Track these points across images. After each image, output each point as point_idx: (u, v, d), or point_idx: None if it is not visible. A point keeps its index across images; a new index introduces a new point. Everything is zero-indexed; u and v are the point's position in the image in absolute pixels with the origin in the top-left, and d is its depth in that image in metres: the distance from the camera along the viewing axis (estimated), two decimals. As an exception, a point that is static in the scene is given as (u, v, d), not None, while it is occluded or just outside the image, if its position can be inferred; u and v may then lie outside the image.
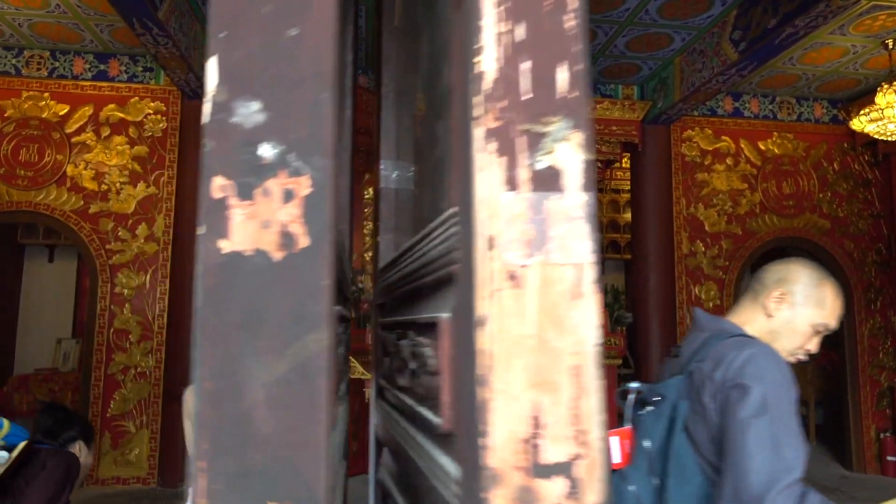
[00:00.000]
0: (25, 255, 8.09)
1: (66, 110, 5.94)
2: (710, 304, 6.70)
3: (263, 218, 0.42)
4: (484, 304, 0.42)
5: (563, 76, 0.46)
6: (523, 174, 0.44)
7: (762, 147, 7.00)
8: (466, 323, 0.45)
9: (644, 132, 6.52)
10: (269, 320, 0.41)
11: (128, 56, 6.08)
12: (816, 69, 6.25)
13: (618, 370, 6.47)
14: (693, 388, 1.30)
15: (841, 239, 6.97)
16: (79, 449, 2.21)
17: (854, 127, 5.75)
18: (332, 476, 0.41)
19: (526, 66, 0.45)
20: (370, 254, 6.62)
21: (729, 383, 1.22)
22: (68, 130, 5.92)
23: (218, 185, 0.42)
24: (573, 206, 0.44)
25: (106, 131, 5.98)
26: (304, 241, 0.42)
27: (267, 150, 0.42)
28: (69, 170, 5.89)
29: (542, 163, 0.45)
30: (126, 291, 5.87)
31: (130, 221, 5.94)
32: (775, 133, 7.03)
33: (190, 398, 1.93)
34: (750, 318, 1.42)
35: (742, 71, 5.40)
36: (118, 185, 5.96)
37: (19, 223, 7.33)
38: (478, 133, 0.44)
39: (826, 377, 8.64)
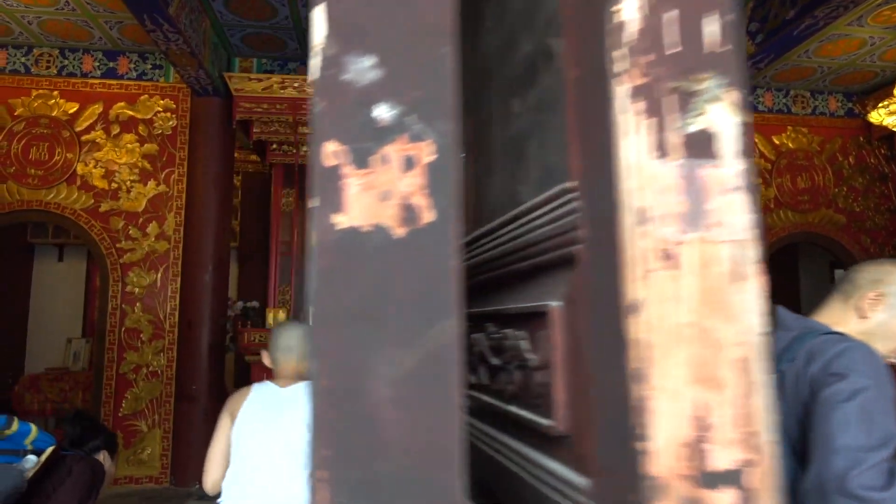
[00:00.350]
0: (35, 254, 8.07)
1: (75, 108, 5.90)
2: (725, 301, 6.63)
3: (382, 188, 0.36)
4: (637, 288, 0.37)
5: (712, 28, 0.40)
6: (674, 138, 0.39)
7: (776, 141, 6.91)
8: (607, 310, 0.39)
9: (657, 127, 6.44)
10: (392, 307, 0.35)
11: (137, 54, 6.04)
12: (833, 62, 6.16)
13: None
14: (785, 387, 1.26)
15: (857, 234, 6.88)
16: (103, 458, 2.19)
17: (872, 120, 5.67)
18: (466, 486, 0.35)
19: (671, 15, 0.40)
20: (381, 251, 6.57)
21: (823, 374, 1.18)
22: (78, 129, 5.88)
23: (330, 152, 0.36)
24: (730, 175, 0.39)
25: (116, 129, 5.94)
26: (428, 216, 0.36)
27: (384, 112, 0.37)
28: (79, 168, 5.85)
29: (694, 125, 0.39)
30: (137, 290, 5.83)
31: (141, 220, 5.90)
32: (789, 127, 6.95)
33: (237, 398, 1.88)
34: (840, 319, 1.37)
35: (758, 64, 5.32)
36: (128, 183, 5.91)
37: (28, 223, 7.30)
38: (621, 91, 0.39)
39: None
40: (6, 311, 7.59)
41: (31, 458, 1.76)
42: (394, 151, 0.37)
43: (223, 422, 1.89)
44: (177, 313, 5.83)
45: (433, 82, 0.38)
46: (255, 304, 6.14)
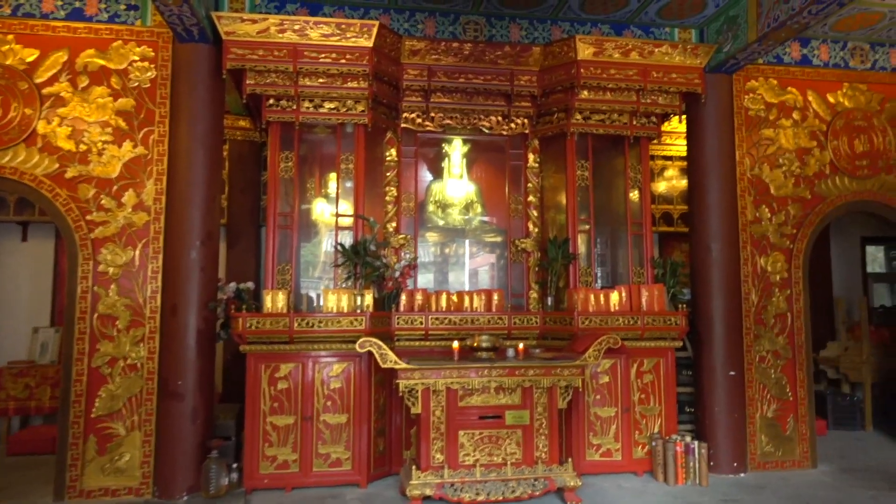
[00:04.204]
0: (-5, 234, 7.15)
1: (34, 56, 4.99)
2: (777, 277, 5.93)
3: None
4: None
5: None
6: None
7: (831, 100, 6.20)
8: None
9: (705, 82, 5.68)
10: None
11: (107, -8, 5.14)
12: (904, 6, 5.45)
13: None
14: None
15: (920, 202, 6.21)
16: None
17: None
18: None
19: None
20: (394, 224, 5.76)
21: None
22: (38, 80, 4.98)
23: None
24: None
25: (84, 81, 5.05)
26: None
27: None
28: (40, 127, 4.95)
29: None
30: (111, 270, 4.97)
31: (115, 188, 5.03)
32: (846, 84, 6.24)
33: None
34: None
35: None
36: (100, 144, 5.03)
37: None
38: None
39: (884, 355, 7.94)
40: (-38, 297, 6.68)
41: None
42: None
43: None
44: (158, 297, 4.99)
45: None
46: (249, 285, 5.31)
